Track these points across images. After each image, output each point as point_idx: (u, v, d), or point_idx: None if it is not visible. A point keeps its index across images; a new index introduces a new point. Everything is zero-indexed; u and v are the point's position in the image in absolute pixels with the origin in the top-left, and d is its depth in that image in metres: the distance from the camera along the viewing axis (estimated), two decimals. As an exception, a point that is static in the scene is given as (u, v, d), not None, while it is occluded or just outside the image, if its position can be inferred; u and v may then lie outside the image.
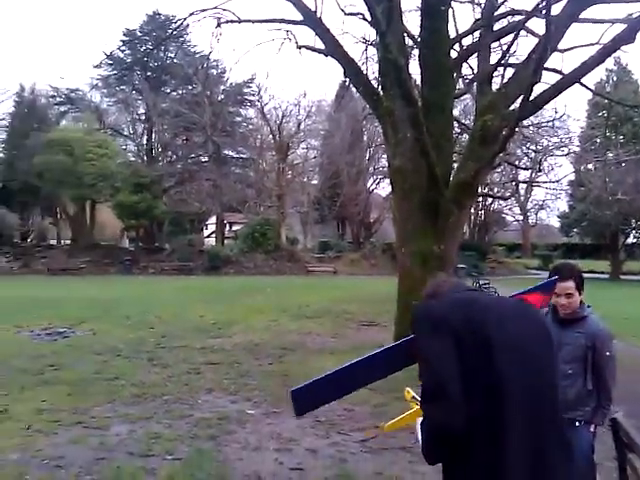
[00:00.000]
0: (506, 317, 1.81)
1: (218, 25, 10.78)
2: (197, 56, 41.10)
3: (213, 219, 46.24)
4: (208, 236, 49.74)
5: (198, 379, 7.71)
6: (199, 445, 5.12)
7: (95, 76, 42.36)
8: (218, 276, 32.11)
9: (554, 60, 9.37)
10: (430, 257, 8.60)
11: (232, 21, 10.31)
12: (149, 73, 43.57)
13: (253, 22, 10.15)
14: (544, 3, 7.03)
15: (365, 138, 43.81)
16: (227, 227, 48.24)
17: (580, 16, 8.58)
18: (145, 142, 44.90)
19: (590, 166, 33.18)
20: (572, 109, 40.28)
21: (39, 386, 7.11)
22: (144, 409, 6.20)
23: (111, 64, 43.79)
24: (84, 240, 38.46)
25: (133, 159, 43.88)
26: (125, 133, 46.49)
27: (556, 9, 8.09)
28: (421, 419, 1.89)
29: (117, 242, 46.14)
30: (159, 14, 43.67)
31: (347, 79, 11.11)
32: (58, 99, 44.07)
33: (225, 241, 44.24)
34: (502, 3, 10.35)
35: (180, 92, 44.61)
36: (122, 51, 43.92)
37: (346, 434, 5.58)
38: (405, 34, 9.75)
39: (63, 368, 8.14)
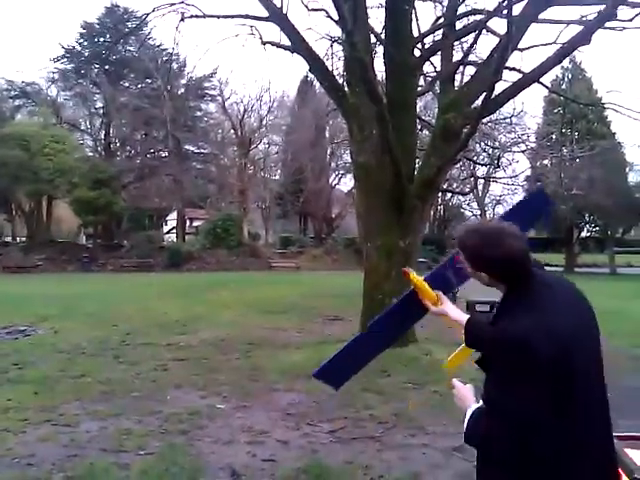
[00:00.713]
0: (574, 324, 1.76)
1: (182, 20, 10.69)
2: (157, 49, 40.47)
3: (173, 215, 45.73)
4: (168, 232, 49.15)
5: (166, 375, 7.69)
6: (171, 440, 5.15)
7: (52, 69, 41.33)
8: (179, 272, 31.83)
9: (514, 59, 9.67)
10: (395, 252, 8.76)
11: (197, 16, 10.25)
12: (107, 67, 42.68)
13: (218, 17, 10.11)
14: (505, 3, 7.23)
15: (327, 134, 43.94)
16: (188, 223, 47.77)
17: (539, 17, 8.86)
18: (103, 137, 44.03)
19: (546, 162, 34.08)
20: (529, 106, 41.30)
21: (3, 385, 7.00)
22: (113, 406, 6.18)
23: (68, 57, 42.81)
24: (40, 237, 37.58)
25: (91, 154, 42.99)
26: (82, 128, 45.48)
27: (516, 9, 8.34)
28: (472, 417, 1.85)
29: (74, 239, 45.19)
30: (117, 6, 42.79)
31: (311, 75, 11.18)
32: (13, 93, 42.69)
33: (186, 237, 43.84)
34: (462, 2, 10.57)
35: (139, 86, 43.82)
36: (80, 44, 42.91)
37: (316, 425, 5.68)
38: (370, 32, 9.87)
39: (27, 367, 8.01)
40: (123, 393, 6.72)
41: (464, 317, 2.08)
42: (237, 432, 5.46)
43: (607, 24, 8.45)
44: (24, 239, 40.72)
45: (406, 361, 8.07)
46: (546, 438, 1.66)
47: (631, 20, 8.54)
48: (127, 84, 44.66)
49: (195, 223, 48.20)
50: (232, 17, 10.08)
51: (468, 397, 1.96)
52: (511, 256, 1.80)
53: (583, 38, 8.12)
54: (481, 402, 1.85)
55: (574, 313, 1.80)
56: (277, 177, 48.43)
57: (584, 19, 9.16)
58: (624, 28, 8.89)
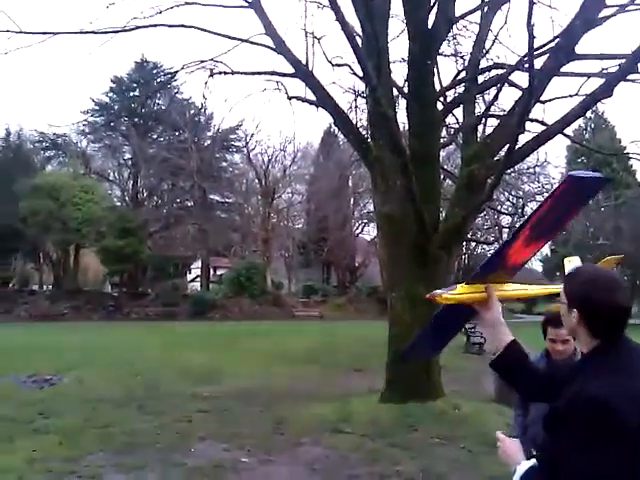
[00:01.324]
0: None
1: (211, 76, 11.05)
2: (185, 103, 41.73)
3: (198, 263, 46.12)
4: (192, 280, 49.48)
5: (190, 427, 7.65)
6: (195, 494, 5.10)
7: (82, 121, 42.72)
8: (203, 321, 31.85)
9: (536, 111, 9.76)
10: (420, 302, 8.69)
11: (225, 72, 10.56)
12: (136, 119, 44.05)
13: (246, 74, 10.45)
14: (527, 58, 7.37)
15: (350, 183, 44.37)
16: (212, 271, 48.10)
17: (561, 70, 8.99)
18: (131, 187, 45.07)
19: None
20: (552, 155, 41.36)
21: (29, 435, 7.02)
22: (137, 458, 6.15)
23: (98, 110, 44.29)
24: (67, 285, 38.12)
25: (119, 204, 43.95)
26: (111, 178, 46.71)
27: (537, 63, 8.48)
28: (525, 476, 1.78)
29: (100, 287, 45.73)
30: (147, 61, 44.46)
31: (336, 128, 11.39)
32: (44, 144, 44.27)
33: (210, 285, 44.07)
34: (484, 55, 10.78)
35: (167, 138, 45.05)
36: (110, 97, 44.48)
37: (341, 482, 5.58)
38: (392, 86, 10.10)
39: (52, 416, 8.05)
40: (147, 444, 6.69)
41: (510, 335, 2.00)
42: (261, 487, 5.38)
43: (629, 77, 8.53)
44: (50, 287, 41.33)
45: (434, 415, 7.91)
46: None
47: (653, 73, 8.61)
48: (155, 136, 45.98)
49: (219, 271, 48.47)
50: (259, 74, 10.38)
51: (516, 453, 1.89)
52: (620, 309, 1.74)
53: (605, 91, 8.19)
54: (532, 460, 1.80)
55: None
56: (300, 226, 48.80)
57: (605, 71, 9.26)
58: (646, 80, 8.95)
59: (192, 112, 40.16)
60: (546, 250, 42.80)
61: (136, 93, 44.09)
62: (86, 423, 7.69)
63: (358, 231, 47.52)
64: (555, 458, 1.68)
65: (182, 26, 9.31)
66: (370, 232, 45.70)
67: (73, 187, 34.84)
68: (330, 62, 11.30)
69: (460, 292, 2.25)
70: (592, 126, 39.83)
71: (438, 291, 2.31)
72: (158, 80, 40.50)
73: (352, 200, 45.63)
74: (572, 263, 2.42)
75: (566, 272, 2.03)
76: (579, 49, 8.65)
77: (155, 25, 9.30)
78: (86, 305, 34.39)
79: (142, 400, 9.38)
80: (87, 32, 8.88)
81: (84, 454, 6.23)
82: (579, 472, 1.61)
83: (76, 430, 7.28)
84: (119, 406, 8.92)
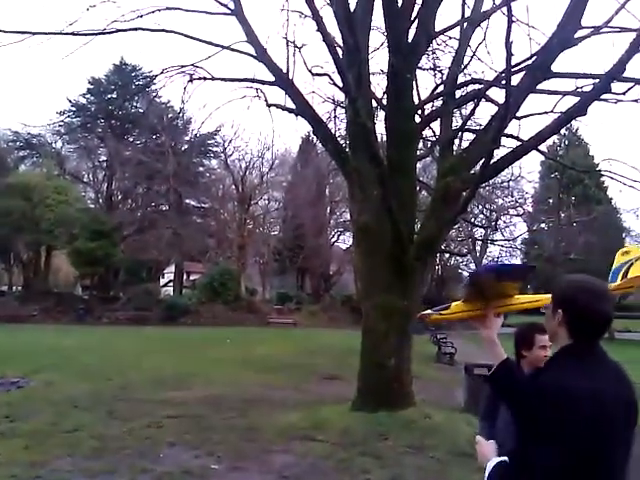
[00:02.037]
0: (619, 400, 1.82)
1: (190, 81, 11.01)
2: (163, 106, 41.49)
3: (171, 268, 45.74)
4: (165, 285, 49.04)
5: (159, 433, 7.57)
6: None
7: (58, 122, 42.15)
8: (175, 326, 31.55)
9: (512, 126, 9.93)
10: (394, 312, 8.76)
11: (204, 78, 10.54)
12: (113, 122, 43.65)
13: (225, 80, 10.45)
14: (504, 74, 7.51)
15: (327, 192, 44.53)
16: (185, 276, 47.72)
17: (536, 87, 9.18)
18: (105, 189, 44.58)
19: (543, 225, 34.47)
20: (526, 170, 42.03)
21: (-6, 439, 6.90)
22: (105, 463, 6.07)
23: (75, 111, 43.79)
24: (37, 287, 37.46)
25: (92, 206, 43.42)
26: (85, 180, 46.16)
27: (514, 80, 8.65)
28: (495, 470, 1.90)
29: (71, 289, 45.03)
30: (126, 64, 44.11)
31: (314, 136, 11.44)
32: (18, 144, 43.55)
33: (183, 291, 43.71)
34: (462, 70, 10.94)
35: (144, 141, 44.69)
36: (86, 99, 44.00)
37: (312, 490, 5.58)
38: (372, 97, 10.19)
39: (19, 420, 7.91)
40: (116, 450, 6.61)
41: (502, 354, 2.10)
42: (231, 494, 5.36)
43: (602, 96, 8.74)
44: (20, 289, 40.58)
45: (404, 424, 7.96)
46: None
47: (624, 93, 8.84)
48: (131, 139, 45.59)
49: (193, 277, 48.13)
50: (239, 80, 10.39)
51: (491, 453, 1.98)
52: (602, 316, 1.87)
53: (579, 109, 8.38)
54: (502, 457, 1.89)
55: (620, 386, 1.85)
56: (276, 233, 48.75)
57: (580, 90, 9.48)
58: (618, 101, 9.18)
59: (170, 116, 39.89)
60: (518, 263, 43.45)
61: (114, 95, 43.70)
62: (53, 427, 7.57)
63: (334, 239, 47.69)
64: (523, 449, 1.80)
65: (163, 31, 9.29)
66: (345, 241, 45.96)
67: (46, 188, 34.34)
68: (310, 71, 11.36)
69: (453, 311, 2.33)
70: (566, 143, 40.59)
71: (428, 311, 2.39)
72: (136, 83, 40.26)
73: (328, 209, 45.79)
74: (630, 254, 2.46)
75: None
76: (555, 67, 8.86)
77: (135, 29, 9.25)
78: (56, 307, 33.80)
79: (111, 405, 9.26)
80: (66, 33, 8.80)
81: (50, 459, 6.13)
82: (532, 464, 1.74)
83: (43, 434, 7.16)
84: (88, 410, 8.79)
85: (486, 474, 1.90)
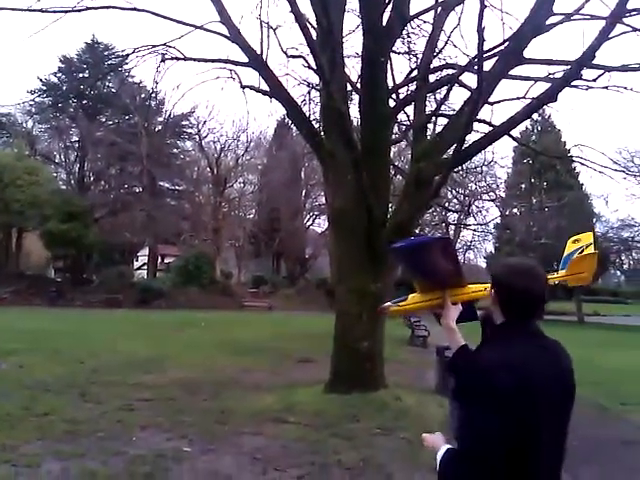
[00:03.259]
0: (547, 372, 1.88)
1: (162, 61, 10.85)
2: (136, 87, 40.79)
3: (145, 251, 45.34)
4: (139, 268, 48.61)
5: (132, 416, 7.55)
6: (135, 483, 5.06)
7: (28, 101, 41.22)
8: (149, 309, 31.38)
9: (484, 112, 10.02)
10: (366, 295, 8.83)
11: (177, 58, 10.39)
12: (85, 102, 42.82)
13: (198, 61, 10.31)
14: (476, 60, 7.56)
15: (303, 175, 44.43)
16: (159, 259, 47.35)
17: (509, 73, 9.25)
18: (77, 170, 43.87)
19: (515, 210, 34.90)
20: (499, 155, 42.39)
21: (-37, 423, 6.81)
22: (77, 446, 6.04)
23: (46, 90, 42.85)
24: (8, 269, 36.86)
25: (64, 187, 42.71)
26: (57, 160, 45.30)
27: (487, 65, 8.70)
28: (444, 456, 1.94)
29: (43, 272, 44.40)
30: (98, 42, 43.23)
31: (289, 119, 11.38)
32: (-13, 123, 42.53)
33: (157, 274, 43.39)
34: (437, 55, 10.97)
35: (116, 121, 43.98)
36: (58, 78, 43.06)
37: (283, 470, 5.63)
38: (346, 81, 10.17)
39: (-12, 404, 7.81)
40: (88, 433, 6.57)
41: (461, 340, 2.18)
42: (202, 476, 5.39)
43: (573, 83, 8.85)
44: (-10, 271, 39.90)
45: (376, 406, 8.06)
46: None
47: (595, 80, 8.97)
48: (104, 119, 44.84)
49: (167, 260, 47.80)
50: (212, 61, 10.27)
51: (438, 441, 2.04)
52: (532, 296, 1.95)
53: (550, 95, 8.47)
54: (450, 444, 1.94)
55: (552, 362, 1.93)
56: (251, 216, 48.62)
57: (551, 77, 9.59)
58: (589, 87, 9.32)
59: (143, 96, 39.30)
60: (491, 248, 44.00)
61: (85, 74, 42.87)
62: (25, 411, 7.48)
63: (309, 223, 47.74)
64: (460, 427, 1.88)
65: (134, 9, 9.10)
66: (321, 224, 46.04)
67: (17, 168, 33.63)
68: (285, 53, 11.30)
69: (411, 302, 2.38)
70: (538, 128, 40.99)
71: (387, 303, 2.44)
72: (109, 62, 39.46)
73: (304, 192, 45.74)
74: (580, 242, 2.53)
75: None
76: (527, 54, 8.94)
77: (107, 7, 9.07)
78: (28, 290, 33.36)
79: (84, 388, 9.19)
80: (35, 10, 8.59)
81: (21, 442, 6.07)
82: (469, 432, 1.83)
83: (14, 418, 7.08)
84: (60, 393, 8.72)
85: (437, 461, 1.95)
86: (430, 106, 11.35)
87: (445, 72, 10.88)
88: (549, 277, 2.22)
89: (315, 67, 9.28)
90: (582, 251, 2.49)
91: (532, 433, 1.79)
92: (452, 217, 35.37)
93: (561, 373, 1.94)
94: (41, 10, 8.70)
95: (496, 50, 9.31)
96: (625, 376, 12.69)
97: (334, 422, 7.31)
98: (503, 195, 30.07)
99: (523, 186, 36.58)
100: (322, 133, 9.92)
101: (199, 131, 41.33)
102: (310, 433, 6.84)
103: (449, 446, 1.96)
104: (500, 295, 2.00)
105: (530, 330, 1.97)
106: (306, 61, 11.28)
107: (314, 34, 9.09)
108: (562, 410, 1.92)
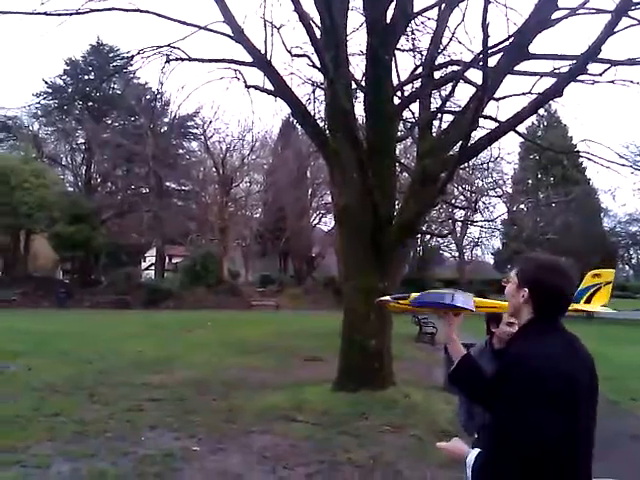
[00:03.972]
0: (582, 369, 1.92)
1: (167, 62, 10.86)
2: (141, 88, 40.88)
3: (152, 252, 45.46)
4: (147, 269, 48.76)
5: (141, 416, 7.58)
6: (145, 483, 5.08)
7: (34, 104, 41.37)
8: (157, 310, 31.47)
9: (490, 108, 9.99)
10: (374, 293, 8.81)
11: (182, 59, 10.40)
12: (91, 103, 42.96)
13: (203, 61, 10.31)
14: (481, 56, 7.52)
15: (309, 174, 44.39)
16: (167, 260, 47.48)
17: (514, 69, 9.21)
18: (84, 172, 44.04)
19: (522, 206, 34.75)
20: (505, 151, 42.18)
21: (-27, 424, 6.86)
22: (86, 446, 6.07)
23: (51, 93, 43.02)
24: (17, 271, 37.08)
25: (71, 189, 42.90)
26: (63, 163, 45.51)
27: (492, 61, 8.67)
28: (478, 461, 1.92)
29: (51, 274, 44.62)
30: (103, 44, 43.35)
31: (294, 119, 11.36)
32: (-6, 126, 42.74)
33: (165, 274, 43.50)
34: (441, 52, 10.93)
35: (122, 123, 44.10)
36: (63, 80, 43.22)
37: (292, 469, 5.64)
38: (351, 79, 10.15)
39: (-2, 405, 7.87)
40: (97, 433, 6.61)
41: (462, 350, 2.24)
42: (212, 475, 5.40)
43: (579, 77, 8.80)
44: (0, 273, 40.14)
45: (385, 404, 8.06)
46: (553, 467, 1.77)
47: (601, 74, 8.92)
48: (110, 121, 44.97)
49: (174, 260, 47.93)
50: (217, 61, 10.27)
51: (461, 446, 2.06)
52: (565, 295, 1.99)
53: (556, 90, 8.42)
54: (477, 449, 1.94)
55: (581, 356, 1.96)
56: (258, 215, 48.60)
57: (557, 71, 9.52)
58: (595, 82, 9.26)
59: (148, 97, 39.39)
60: (498, 244, 43.86)
61: (91, 76, 43.03)
62: (34, 412, 7.54)
63: (316, 222, 47.66)
64: (496, 426, 1.87)
65: (138, 11, 9.12)
66: (328, 223, 45.90)
67: (24, 171, 33.80)
68: (289, 52, 11.26)
69: (410, 303, 2.40)
70: (545, 124, 40.78)
71: (387, 297, 2.45)
72: (114, 64, 39.57)
73: (310, 191, 45.66)
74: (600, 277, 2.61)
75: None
76: (532, 49, 8.89)
77: (110, 9, 9.09)
78: (36, 292, 33.55)
79: (92, 389, 9.24)
80: (39, 13, 8.62)
81: (31, 444, 6.11)
82: (523, 435, 1.77)
83: (23, 419, 7.13)
84: (68, 394, 8.77)
85: (469, 471, 1.92)
86: (435, 103, 11.31)
87: (450, 68, 10.83)
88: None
89: (319, 66, 9.27)
90: (599, 289, 2.54)
91: (575, 426, 1.81)
92: (459, 214, 35.26)
93: (590, 366, 1.97)
94: (45, 13, 8.73)
95: (501, 46, 9.26)
96: (635, 371, 12.61)
97: (343, 420, 7.31)
98: (510, 191, 30.00)
99: (530, 182, 36.43)
100: (327, 132, 9.90)
101: (205, 131, 41.37)
102: (319, 431, 6.84)
103: (479, 450, 1.94)
104: (535, 294, 1.99)
105: (560, 326, 2.00)
106: (310, 60, 11.23)
107: (318, 33, 9.07)
108: (593, 401, 1.95)
